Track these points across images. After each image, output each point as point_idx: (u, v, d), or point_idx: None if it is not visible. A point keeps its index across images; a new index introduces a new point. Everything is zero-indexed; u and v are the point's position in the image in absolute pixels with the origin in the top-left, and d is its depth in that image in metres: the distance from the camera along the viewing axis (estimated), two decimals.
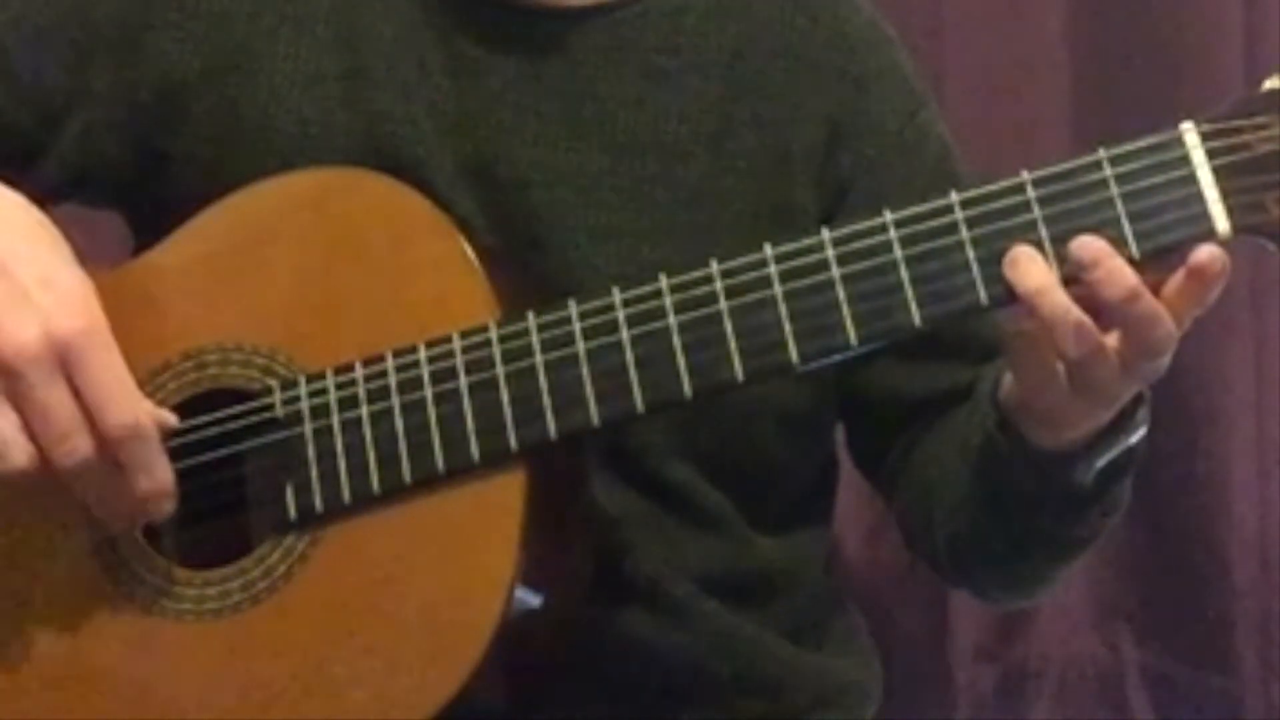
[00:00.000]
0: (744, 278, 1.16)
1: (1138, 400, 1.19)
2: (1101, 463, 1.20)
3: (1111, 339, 1.11)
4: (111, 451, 1.17)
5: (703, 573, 1.32)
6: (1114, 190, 1.11)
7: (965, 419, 1.28)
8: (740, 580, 1.34)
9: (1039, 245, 1.12)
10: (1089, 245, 1.10)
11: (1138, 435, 1.21)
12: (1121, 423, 1.19)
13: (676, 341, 1.17)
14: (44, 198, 1.31)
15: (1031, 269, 1.11)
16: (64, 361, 1.16)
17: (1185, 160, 1.11)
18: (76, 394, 1.17)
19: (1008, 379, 1.20)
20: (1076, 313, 1.10)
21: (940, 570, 1.39)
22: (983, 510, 1.27)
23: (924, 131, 1.39)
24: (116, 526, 1.22)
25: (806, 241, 1.16)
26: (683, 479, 1.31)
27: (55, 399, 1.16)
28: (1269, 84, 1.12)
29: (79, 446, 1.16)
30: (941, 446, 1.33)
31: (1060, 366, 1.13)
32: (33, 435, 1.16)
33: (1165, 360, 1.13)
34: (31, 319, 1.17)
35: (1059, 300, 1.10)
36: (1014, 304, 1.12)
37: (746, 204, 1.33)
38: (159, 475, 1.19)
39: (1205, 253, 1.09)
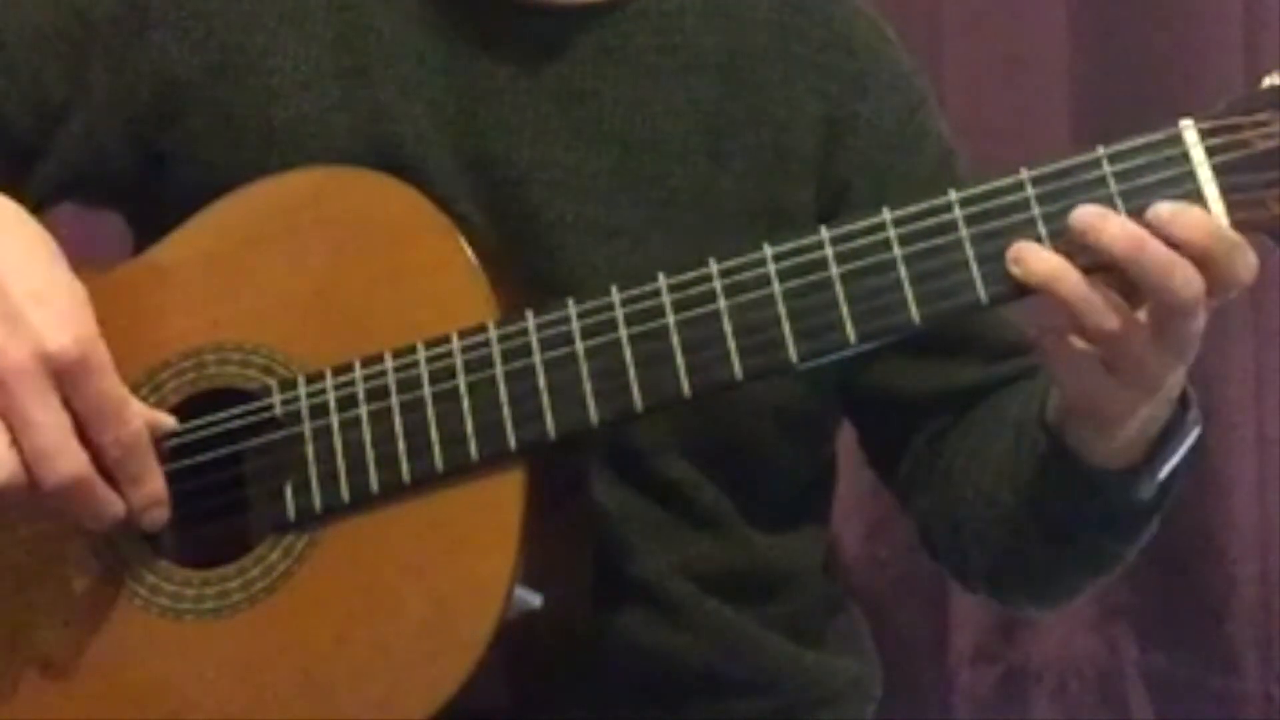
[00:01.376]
0: (742, 276, 1.16)
1: (1184, 404, 1.18)
2: (1163, 473, 1.20)
3: (1139, 314, 1.10)
4: (104, 465, 1.18)
5: (702, 571, 1.31)
6: (1113, 188, 1.11)
7: (1009, 448, 1.26)
8: (740, 579, 1.33)
9: (1038, 243, 1.11)
10: (1080, 215, 1.10)
11: (1192, 437, 1.20)
12: (1174, 428, 1.18)
13: (675, 340, 1.16)
14: (43, 198, 1.31)
15: (1039, 258, 1.11)
16: (56, 378, 1.16)
17: (1184, 158, 1.11)
18: (70, 409, 1.17)
19: (1053, 396, 1.20)
20: (1096, 286, 1.09)
21: (965, 580, 1.38)
22: (1037, 536, 1.25)
23: (924, 130, 1.39)
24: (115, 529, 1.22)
25: (805, 240, 1.16)
26: (682, 478, 1.31)
27: (42, 417, 1.16)
28: (1269, 81, 1.12)
29: (61, 466, 1.17)
30: (973, 463, 1.31)
31: (1094, 353, 1.12)
32: (19, 450, 1.16)
33: (1198, 323, 1.11)
34: (22, 336, 1.16)
35: (1075, 280, 1.10)
36: (1014, 300, 1.12)
37: (744, 203, 1.33)
38: (151, 487, 1.20)
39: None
